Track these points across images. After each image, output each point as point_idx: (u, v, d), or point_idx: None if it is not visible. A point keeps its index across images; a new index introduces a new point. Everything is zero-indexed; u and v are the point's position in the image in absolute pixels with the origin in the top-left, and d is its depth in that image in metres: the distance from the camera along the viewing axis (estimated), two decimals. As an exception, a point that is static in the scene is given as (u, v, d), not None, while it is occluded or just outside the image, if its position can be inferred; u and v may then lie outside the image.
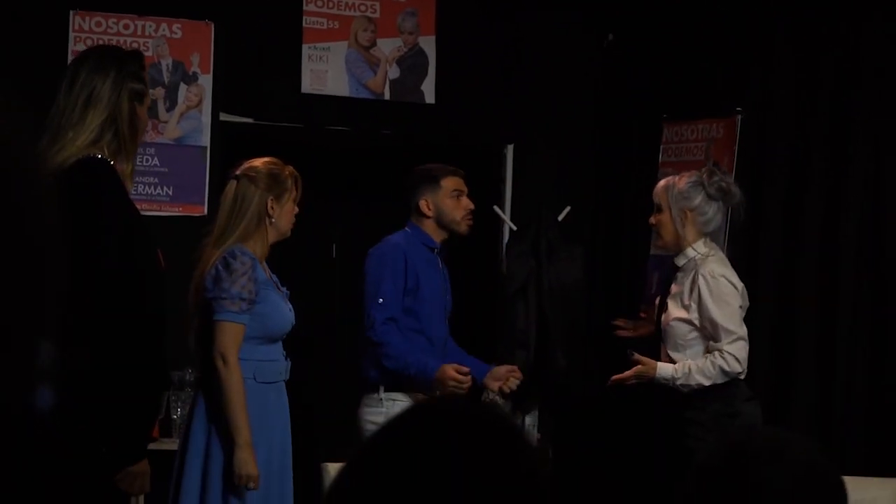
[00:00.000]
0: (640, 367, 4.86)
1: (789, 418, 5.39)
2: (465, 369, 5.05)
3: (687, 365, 4.78)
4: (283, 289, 4.54)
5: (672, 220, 4.93)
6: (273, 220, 4.44)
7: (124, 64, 3.67)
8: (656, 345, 5.07)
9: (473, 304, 6.83)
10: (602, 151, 6.79)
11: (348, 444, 5.11)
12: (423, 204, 5.20)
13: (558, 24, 6.77)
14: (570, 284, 6.15)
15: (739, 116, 5.84)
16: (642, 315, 5.53)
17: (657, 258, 6.03)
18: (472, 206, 5.26)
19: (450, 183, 5.23)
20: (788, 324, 5.53)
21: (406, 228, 5.25)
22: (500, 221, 6.64)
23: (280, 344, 4.47)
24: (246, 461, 4.23)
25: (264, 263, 4.47)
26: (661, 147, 6.30)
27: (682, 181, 4.96)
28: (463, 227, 5.25)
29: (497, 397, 5.92)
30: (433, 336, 5.13)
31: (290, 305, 4.50)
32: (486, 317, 6.57)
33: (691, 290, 4.84)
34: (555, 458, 6.08)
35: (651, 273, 6.09)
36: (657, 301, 5.17)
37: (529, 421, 6.08)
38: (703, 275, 4.81)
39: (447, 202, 5.21)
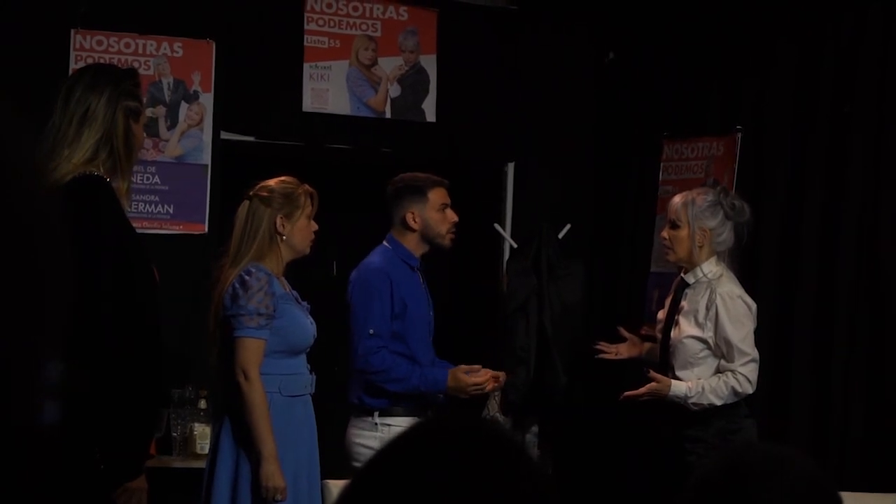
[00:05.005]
0: (654, 384, 4.86)
1: (787, 434, 5.39)
2: (477, 367, 5.05)
3: (700, 384, 4.79)
4: (304, 303, 4.57)
5: (690, 236, 4.93)
6: (285, 237, 4.47)
7: (119, 82, 3.67)
8: (638, 365, 5.12)
9: (474, 321, 6.84)
10: (602, 169, 6.80)
11: (346, 462, 5.12)
12: (409, 217, 5.09)
13: (559, 42, 6.79)
14: (570, 302, 6.16)
15: (739, 134, 5.86)
16: (642, 332, 5.54)
17: (657, 275, 6.04)
18: (456, 219, 5.14)
19: (437, 196, 5.10)
20: (786, 340, 5.54)
21: (385, 244, 5.14)
22: (501, 239, 6.65)
23: (304, 357, 4.51)
24: (272, 473, 4.26)
25: (282, 279, 4.50)
26: (661, 165, 6.31)
27: (700, 198, 4.95)
28: (447, 241, 5.14)
29: (498, 414, 5.93)
30: (420, 360, 5.06)
31: (312, 319, 4.53)
32: (486, 334, 6.57)
33: (707, 309, 4.84)
34: (555, 476, 6.07)
35: (652, 290, 6.10)
36: (659, 317, 5.18)
37: (529, 438, 6.08)
38: (720, 294, 4.82)
39: (434, 215, 5.09)
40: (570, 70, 6.80)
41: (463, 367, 5.03)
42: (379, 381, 4.95)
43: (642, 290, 6.23)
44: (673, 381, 4.85)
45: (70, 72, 5.83)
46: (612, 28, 6.78)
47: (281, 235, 4.48)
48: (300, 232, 4.52)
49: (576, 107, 6.80)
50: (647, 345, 5.37)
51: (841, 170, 5.45)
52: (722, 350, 4.84)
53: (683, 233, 4.95)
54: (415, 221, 5.09)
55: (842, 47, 5.51)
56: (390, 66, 6.54)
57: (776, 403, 5.51)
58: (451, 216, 5.13)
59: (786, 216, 5.67)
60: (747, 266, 5.27)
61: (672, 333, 4.96)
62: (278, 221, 4.47)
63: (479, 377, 5.03)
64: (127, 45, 6.06)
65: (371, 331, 4.94)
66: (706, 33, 6.19)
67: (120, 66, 5.23)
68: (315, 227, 4.58)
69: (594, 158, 6.83)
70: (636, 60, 6.64)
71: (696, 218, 4.92)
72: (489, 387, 5.13)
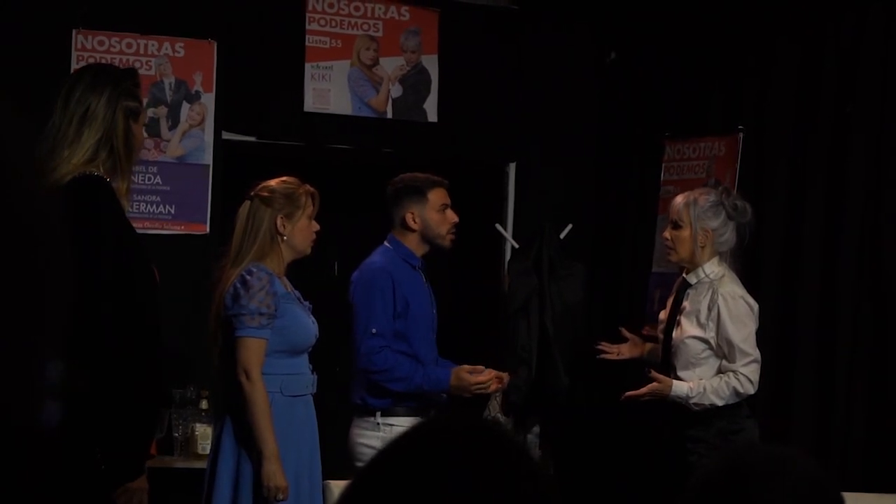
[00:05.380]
0: (655, 384, 4.87)
1: (789, 435, 5.39)
2: (480, 368, 5.05)
3: (702, 384, 4.80)
4: (306, 302, 4.57)
5: (692, 237, 4.93)
6: (285, 237, 4.47)
7: (119, 82, 3.67)
8: (640, 366, 5.12)
9: (475, 321, 6.83)
10: (604, 169, 6.80)
11: (348, 462, 5.12)
12: (409, 217, 5.09)
13: (560, 42, 6.79)
14: (571, 302, 6.15)
15: (741, 134, 5.86)
16: (644, 332, 5.54)
17: (659, 275, 6.04)
18: (456, 220, 5.15)
19: (437, 196, 5.11)
20: (788, 340, 5.54)
21: (386, 244, 5.14)
22: (502, 239, 6.64)
23: (306, 357, 4.51)
24: (274, 473, 4.27)
25: (284, 278, 4.50)
26: (663, 165, 6.31)
27: (702, 198, 4.95)
28: (447, 242, 5.15)
29: (499, 415, 5.93)
30: (423, 359, 5.06)
31: (314, 319, 4.53)
32: (488, 334, 6.56)
33: (709, 309, 4.84)
34: (556, 476, 6.07)
35: (653, 290, 6.10)
36: (660, 318, 5.18)
37: (531, 438, 6.08)
38: (722, 295, 4.82)
39: (434, 216, 5.09)
40: (571, 70, 6.80)
41: (466, 367, 5.03)
42: (382, 381, 4.95)
43: (644, 290, 6.23)
44: (674, 382, 4.85)
45: (71, 72, 5.83)
46: (614, 28, 6.78)
47: (282, 236, 4.48)
48: (301, 232, 4.52)
49: (577, 107, 6.80)
50: (649, 345, 5.37)
51: (842, 169, 5.45)
52: (724, 350, 4.84)
53: (685, 233, 4.95)
54: (415, 222, 5.10)
55: (843, 47, 5.52)
56: (392, 66, 6.54)
57: (778, 404, 5.51)
58: (451, 217, 5.14)
59: (788, 216, 5.67)
60: (749, 266, 5.27)
61: (674, 334, 4.96)
62: (279, 221, 4.47)
63: (482, 377, 5.03)
64: (128, 46, 6.06)
65: (373, 330, 4.95)
66: (707, 33, 6.19)
67: (121, 66, 5.24)
68: (316, 227, 4.58)
69: (596, 158, 6.83)
70: (638, 60, 6.64)
71: (699, 218, 4.92)
72: (493, 387, 5.14)
